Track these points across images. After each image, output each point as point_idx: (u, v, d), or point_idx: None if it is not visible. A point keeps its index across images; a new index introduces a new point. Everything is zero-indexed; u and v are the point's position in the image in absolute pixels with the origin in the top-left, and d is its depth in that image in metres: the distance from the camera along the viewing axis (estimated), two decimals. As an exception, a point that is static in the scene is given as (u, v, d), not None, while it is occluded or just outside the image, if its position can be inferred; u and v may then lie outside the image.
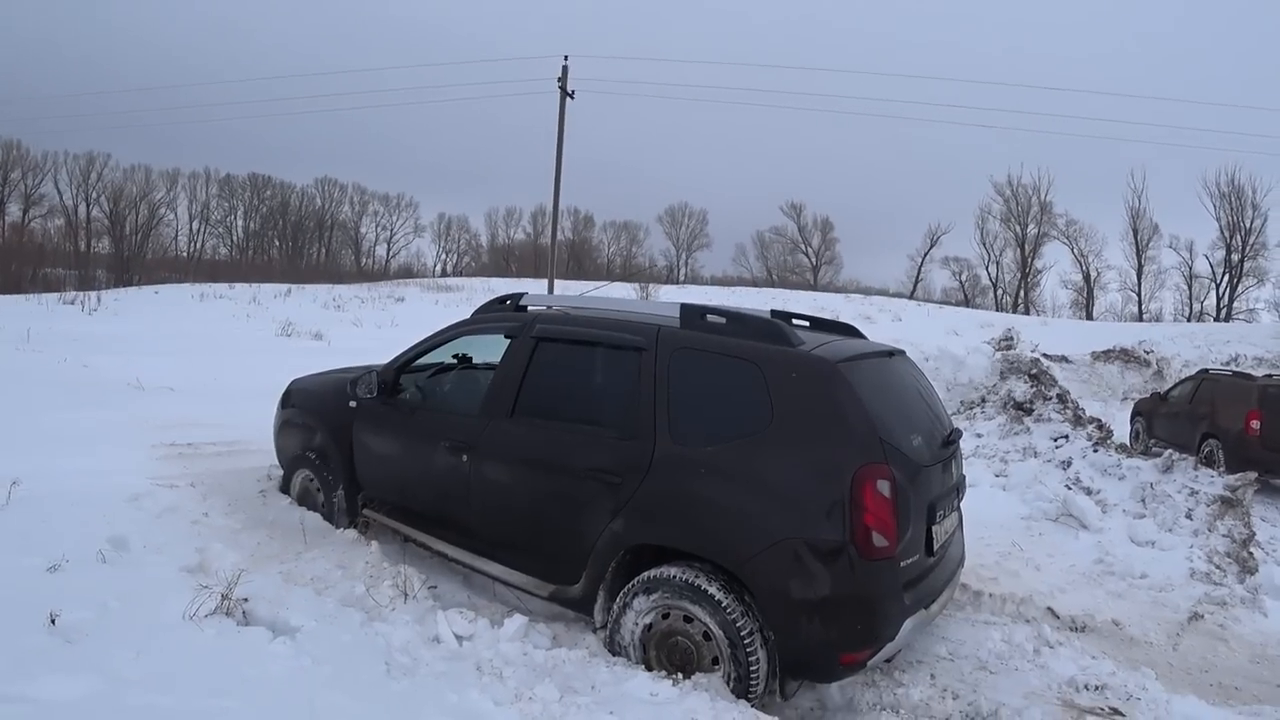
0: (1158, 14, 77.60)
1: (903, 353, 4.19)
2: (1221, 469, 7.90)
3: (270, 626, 3.20)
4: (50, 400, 7.46)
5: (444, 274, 60.31)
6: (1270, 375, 11.27)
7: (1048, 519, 6.44)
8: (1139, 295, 52.40)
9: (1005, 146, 74.60)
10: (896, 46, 79.72)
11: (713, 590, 3.14)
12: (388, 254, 70.08)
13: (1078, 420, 8.52)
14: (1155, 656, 4.23)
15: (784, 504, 3.13)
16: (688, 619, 3.24)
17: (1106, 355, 19.19)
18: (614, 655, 3.41)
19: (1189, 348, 22.16)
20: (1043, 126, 58.83)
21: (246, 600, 3.33)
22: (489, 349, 4.59)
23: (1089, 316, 50.58)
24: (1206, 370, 11.65)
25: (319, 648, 3.05)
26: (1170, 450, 7.58)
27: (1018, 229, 56.58)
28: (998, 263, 58.89)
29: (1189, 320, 44.99)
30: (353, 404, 4.70)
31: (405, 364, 4.69)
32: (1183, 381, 11.84)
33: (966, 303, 55.94)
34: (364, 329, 22.13)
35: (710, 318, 3.62)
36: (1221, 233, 47.85)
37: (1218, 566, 5.39)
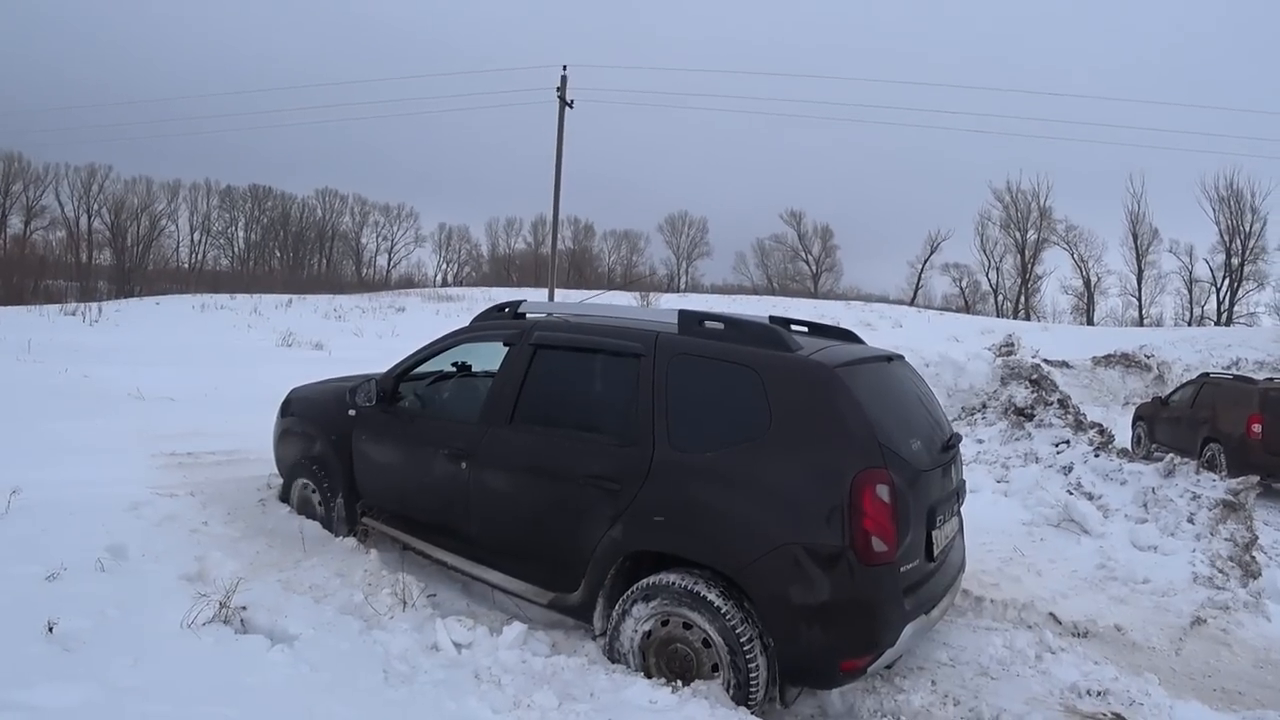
0: (1155, 18, 77.89)
1: (901, 357, 4.19)
2: (1223, 473, 7.88)
3: (268, 634, 3.20)
4: (51, 410, 7.47)
5: (445, 284, 60.45)
6: (1271, 379, 11.26)
7: (1049, 524, 6.42)
8: (1139, 300, 52.46)
9: (1004, 152, 74.95)
10: (895, 54, 79.94)
11: (712, 597, 3.13)
12: (389, 264, 70.29)
13: (1079, 425, 8.50)
14: (1158, 662, 4.20)
15: (783, 509, 3.12)
16: (687, 626, 3.22)
17: (1107, 360, 19.18)
18: (613, 662, 3.39)
19: (1190, 352, 22.13)
20: (1041, 132, 58.99)
21: (245, 608, 3.32)
22: (488, 357, 4.60)
23: (1090, 322, 50.58)
24: (1208, 374, 11.64)
25: (317, 655, 3.05)
26: (1172, 454, 7.55)
27: (1017, 235, 56.71)
28: (998, 269, 59.00)
29: (1190, 324, 45.01)
30: (352, 412, 4.71)
31: (404, 372, 4.69)
32: (1184, 386, 11.83)
33: (967, 309, 55.90)
34: (364, 339, 22.14)
35: (708, 323, 3.62)
36: (1221, 237, 47.92)
37: (1220, 571, 5.37)
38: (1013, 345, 12.68)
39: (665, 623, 3.28)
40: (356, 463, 4.70)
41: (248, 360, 14.40)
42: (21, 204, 54.71)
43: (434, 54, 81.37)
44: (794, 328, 4.02)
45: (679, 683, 3.16)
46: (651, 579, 3.31)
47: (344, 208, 68.25)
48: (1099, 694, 3.61)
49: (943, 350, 13.11)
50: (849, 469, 3.05)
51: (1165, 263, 51.88)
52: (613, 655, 3.42)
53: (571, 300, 5.23)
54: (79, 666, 2.73)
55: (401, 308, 32.63)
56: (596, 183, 76.96)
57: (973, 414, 10.09)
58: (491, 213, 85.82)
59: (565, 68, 23.47)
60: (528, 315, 4.41)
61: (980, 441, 9.03)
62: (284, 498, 5.17)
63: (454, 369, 5.07)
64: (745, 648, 3.08)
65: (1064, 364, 18.11)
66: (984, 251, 58.70)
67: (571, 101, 23.65)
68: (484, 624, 3.64)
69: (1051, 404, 9.10)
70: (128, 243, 56.81)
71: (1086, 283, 54.48)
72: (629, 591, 3.37)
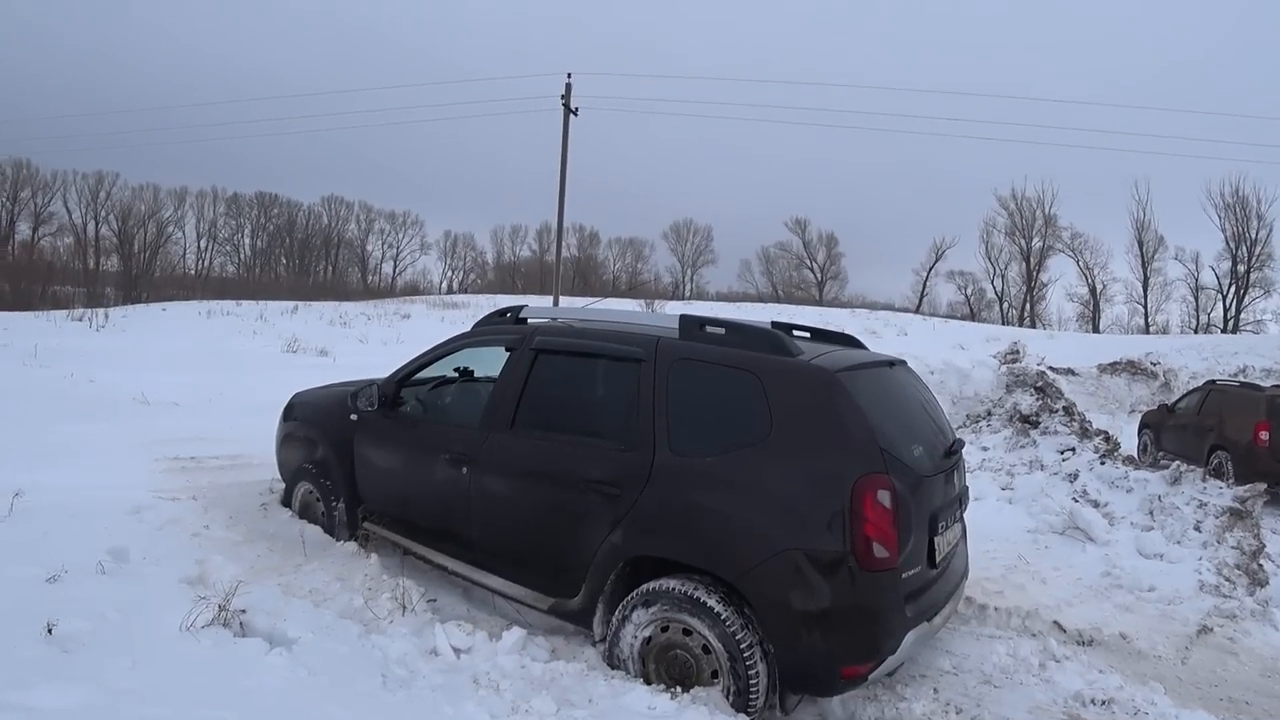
0: (1159, 24, 77.88)
1: (904, 363, 4.17)
2: (1230, 480, 7.82)
3: (267, 638, 3.19)
4: (56, 414, 7.50)
5: (450, 291, 60.59)
6: (1278, 386, 11.18)
7: (1054, 532, 6.38)
8: (1145, 307, 52.30)
9: (1009, 160, 74.84)
10: (899, 61, 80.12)
11: (711, 603, 3.11)
12: (394, 271, 70.47)
13: (1084, 433, 8.47)
14: (1164, 670, 4.17)
15: (783, 515, 3.10)
16: (687, 632, 3.21)
17: (1113, 367, 19.09)
18: (613, 668, 3.38)
19: (1196, 359, 22.03)
20: (1046, 139, 59.00)
21: (244, 612, 3.32)
22: (490, 362, 4.60)
23: (1095, 329, 50.44)
24: (1214, 381, 11.59)
25: (316, 659, 3.04)
26: (1178, 462, 7.51)
27: (1022, 242, 56.63)
28: (1003, 276, 58.93)
29: (1196, 332, 44.86)
30: (353, 417, 4.70)
31: (406, 377, 4.69)
32: (1190, 393, 11.76)
33: (972, 317, 55.84)
34: (369, 345, 22.19)
35: (709, 328, 3.61)
36: (1227, 244, 47.81)
37: (1227, 579, 5.33)
38: (1018, 352, 12.64)
39: (665, 629, 3.26)
40: (358, 467, 4.69)
41: (253, 366, 14.46)
42: (30, 210, 55.10)
43: (439, 62, 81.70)
44: (796, 333, 4.01)
45: (678, 689, 3.15)
46: (651, 584, 3.29)
47: (350, 215, 68.59)
48: (1104, 703, 3.58)
49: (947, 357, 13.08)
50: (850, 474, 3.03)
51: (1171, 270, 51.81)
52: (612, 661, 3.40)
53: (574, 306, 5.22)
54: (77, 668, 2.73)
55: (407, 315, 32.70)
56: (602, 190, 77.30)
57: (978, 421, 10.07)
58: (497, 220, 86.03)
59: (570, 75, 23.55)
60: (529, 320, 4.40)
61: (985, 449, 8.99)
62: (286, 502, 5.17)
63: (456, 374, 5.07)
64: (745, 654, 3.06)
65: (1069, 371, 18.03)
66: (989, 259, 58.71)
67: (576, 109, 23.71)
68: (484, 629, 3.63)
69: (1057, 411, 9.07)
70: (135, 249, 57.17)
71: (1092, 290, 54.38)
72: (629, 597, 3.35)
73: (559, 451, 3.75)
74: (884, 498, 3.03)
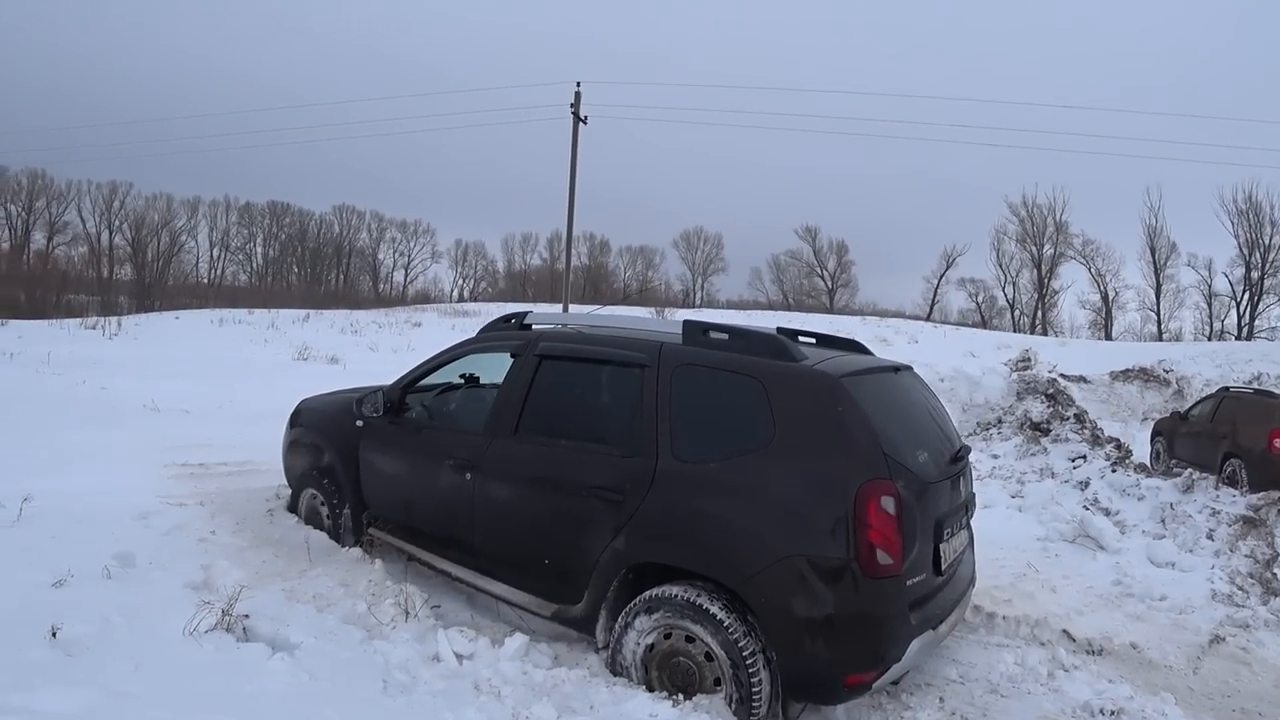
0: (1172, 30, 77.56)
1: (909, 368, 4.15)
2: (1244, 488, 7.76)
3: (270, 643, 3.19)
4: (67, 421, 7.56)
5: (461, 299, 60.73)
6: (1293, 394, 11.07)
7: (1064, 540, 6.33)
8: (1158, 315, 51.84)
9: (1020, 166, 74.60)
10: (910, 68, 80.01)
11: (714, 609, 3.09)
12: (405, 280, 70.74)
13: (1096, 440, 8.41)
14: (1175, 680, 4.11)
15: (786, 521, 3.08)
16: (690, 639, 3.19)
17: (1125, 375, 18.96)
18: (615, 675, 3.36)
19: (1210, 367, 21.81)
20: (1056, 145, 58.73)
21: (247, 617, 3.32)
22: (495, 368, 4.60)
23: (1108, 337, 50.06)
24: (1228, 388, 11.48)
25: (317, 664, 3.04)
26: (1190, 470, 7.44)
27: (1034, 249, 56.30)
28: (1014, 284, 58.56)
29: (1209, 339, 44.43)
30: (359, 423, 4.72)
31: (411, 383, 4.70)
32: (1203, 400, 11.67)
33: (983, 324, 55.51)
34: (380, 353, 22.26)
35: (713, 334, 3.60)
36: (1240, 250, 47.31)
37: (1240, 588, 5.27)
38: (1029, 360, 12.57)
39: (668, 635, 3.25)
40: (363, 473, 4.70)
41: (263, 374, 14.53)
42: (45, 220, 55.70)
43: (450, 71, 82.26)
44: (801, 339, 4.00)
45: (680, 696, 3.13)
46: (654, 591, 3.28)
47: (361, 224, 68.96)
48: (1113, 713, 3.54)
49: (957, 365, 13.02)
50: (853, 480, 3.01)
51: (1184, 277, 51.33)
52: (615, 668, 3.38)
53: (579, 312, 5.23)
54: (80, 672, 2.74)
55: (418, 323, 32.79)
56: (612, 199, 77.32)
57: (988, 429, 10.01)
58: (508, 229, 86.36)
59: (579, 84, 23.65)
60: (533, 326, 4.41)
61: (995, 457, 8.94)
62: (292, 508, 5.19)
63: (462, 380, 5.08)
64: (748, 661, 3.04)
65: (1081, 379, 17.92)
66: (1000, 266, 58.37)
67: (585, 117, 23.81)
68: (486, 635, 3.62)
69: (1068, 419, 9.01)
70: (148, 258, 57.63)
71: (1104, 297, 53.99)
72: (631, 604, 3.34)
73: (562, 457, 3.75)
74: (888, 504, 3.01)
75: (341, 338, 25.97)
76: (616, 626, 3.38)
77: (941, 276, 61.24)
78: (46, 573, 3.52)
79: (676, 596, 3.19)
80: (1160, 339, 46.80)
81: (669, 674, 3.26)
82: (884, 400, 3.51)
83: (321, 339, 23.99)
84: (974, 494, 4.20)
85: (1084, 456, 8.01)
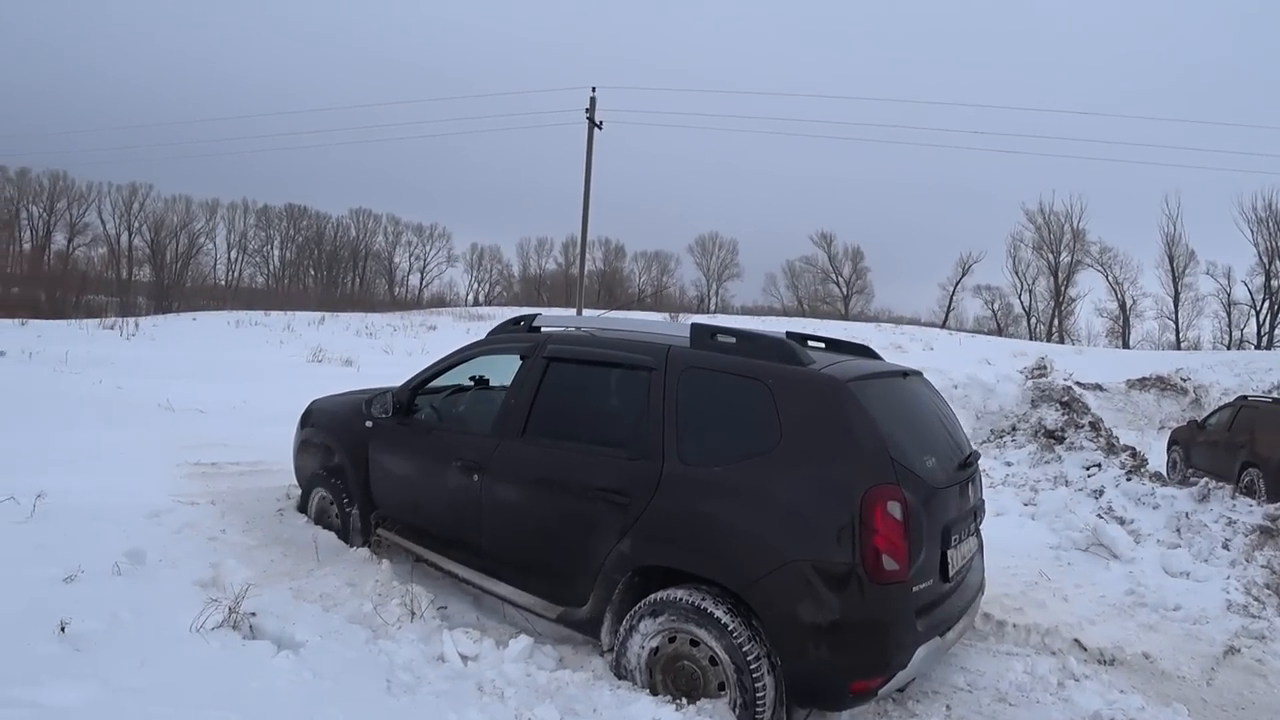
0: (1191, 36, 76.91)
1: (919, 373, 4.12)
2: (1261, 498, 7.64)
3: (275, 641, 3.20)
4: (82, 420, 7.64)
5: (476, 303, 60.98)
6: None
7: (1077, 549, 6.26)
8: (1176, 323, 51.33)
9: (1037, 173, 74.22)
10: (927, 74, 79.77)
11: (719, 614, 3.07)
12: (421, 283, 71.19)
13: (1111, 448, 8.33)
14: (1188, 692, 4.05)
15: (792, 525, 3.06)
16: (694, 643, 3.17)
17: (1142, 383, 18.77)
18: (620, 678, 3.35)
19: (1228, 375, 21.58)
20: (1074, 152, 58.35)
21: (254, 614, 3.34)
22: (504, 370, 4.61)
23: (1125, 345, 49.60)
24: (1245, 397, 11.35)
25: (322, 663, 3.05)
26: (1207, 479, 7.35)
27: (1050, 257, 55.94)
28: (1031, 291, 58.22)
29: (1228, 348, 43.95)
30: (368, 424, 4.74)
31: (420, 385, 4.72)
32: (1221, 409, 11.53)
33: (999, 332, 55.18)
34: (394, 356, 22.36)
35: (720, 337, 3.60)
36: (1260, 258, 46.77)
37: (1256, 599, 5.19)
38: (1045, 367, 12.50)
39: (672, 639, 3.23)
40: (372, 474, 4.72)
41: (278, 375, 14.63)
42: (66, 221, 56.53)
43: (468, 76, 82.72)
44: (811, 344, 3.98)
45: (684, 701, 3.11)
46: (659, 594, 3.26)
47: (378, 227, 69.49)
48: (1123, 723, 3.49)
49: (971, 372, 12.94)
50: (859, 485, 2.99)
51: (1203, 285, 50.79)
52: (619, 671, 3.37)
53: (589, 315, 5.23)
54: (87, 666, 2.76)
55: (433, 326, 32.92)
56: (628, 204, 77.62)
57: (1002, 436, 9.94)
58: (523, 233, 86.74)
59: (594, 89, 23.77)
60: (542, 329, 4.42)
61: (1009, 464, 8.88)
62: (302, 508, 5.21)
63: (471, 382, 5.09)
64: (752, 666, 3.02)
65: (1097, 387, 17.76)
66: (1016, 274, 58.07)
67: (600, 123, 23.89)
68: (491, 637, 3.62)
69: (1083, 427, 8.94)
70: (167, 259, 58.31)
71: (1122, 305, 53.55)
72: (636, 607, 3.32)
73: (569, 459, 3.75)
74: (894, 509, 2.98)
75: (356, 340, 26.12)
76: (621, 630, 3.37)
77: (957, 284, 61.00)
78: (57, 568, 3.55)
79: (681, 600, 3.17)
80: (1179, 347, 46.31)
81: (673, 678, 3.24)
82: (892, 405, 3.48)
83: (336, 341, 24.13)
84: (983, 500, 4.15)
85: (1099, 465, 7.94)
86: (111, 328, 22.77)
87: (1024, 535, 6.55)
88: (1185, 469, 11.29)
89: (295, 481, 5.46)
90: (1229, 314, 49.94)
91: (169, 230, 59.09)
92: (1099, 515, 6.69)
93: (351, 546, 4.65)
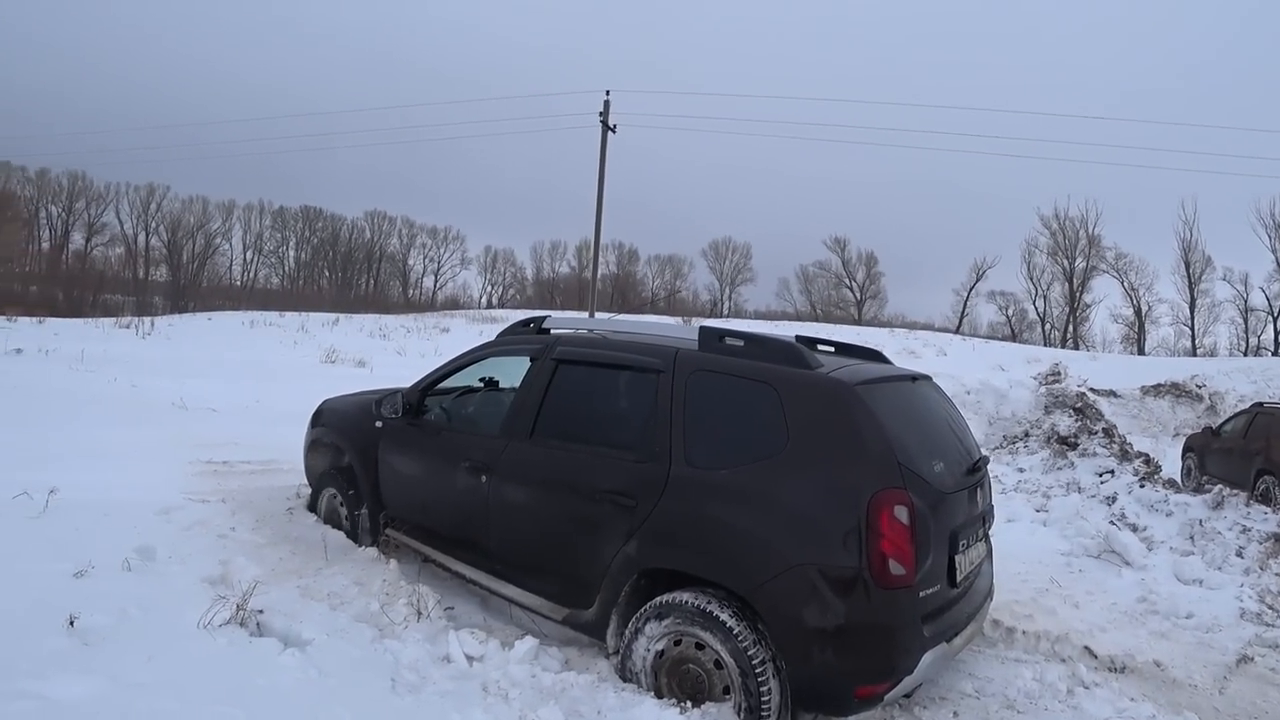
0: (1205, 41, 76.31)
1: (928, 378, 4.10)
2: (1277, 506, 7.57)
3: (282, 638, 3.22)
4: (96, 417, 7.70)
5: (489, 306, 61.20)
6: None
7: (1089, 555, 6.21)
8: (1192, 329, 50.85)
9: (1052, 178, 73.74)
10: (941, 79, 79.48)
11: (724, 617, 3.06)
12: (435, 285, 71.54)
13: (1124, 455, 8.26)
14: (1200, 700, 4.01)
15: (798, 529, 3.04)
16: (700, 646, 3.16)
17: (1157, 390, 18.60)
18: (625, 681, 3.34)
19: (1245, 383, 21.32)
20: (1090, 157, 57.91)
21: (261, 612, 3.36)
22: (514, 371, 4.62)
23: (1140, 351, 49.18)
24: (1261, 404, 11.22)
25: (328, 661, 3.06)
26: (1221, 486, 7.27)
27: (1065, 263, 55.58)
28: (1045, 297, 57.88)
29: (1245, 354, 43.50)
30: (378, 424, 4.75)
31: (430, 385, 4.73)
32: (1236, 415, 11.42)
33: (1014, 337, 54.88)
34: (407, 357, 22.41)
35: (728, 340, 3.59)
36: (1277, 265, 46.29)
37: (1270, 607, 5.13)
38: (1059, 374, 12.40)
39: (678, 642, 3.22)
40: (382, 474, 4.73)
41: (291, 375, 14.70)
42: (84, 221, 57.16)
43: (484, 81, 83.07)
44: (820, 348, 3.97)
45: (688, 704, 3.10)
46: (664, 597, 3.25)
47: (392, 229, 69.91)
48: (1133, 732, 3.46)
49: (984, 377, 12.87)
50: (866, 489, 2.97)
51: (1219, 291, 50.33)
52: (624, 674, 3.37)
53: (600, 318, 5.24)
54: (94, 660, 2.78)
55: (446, 328, 33.03)
56: (641, 208, 77.70)
57: (1014, 442, 9.88)
58: (537, 236, 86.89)
59: (608, 93, 23.81)
60: (552, 330, 4.42)
61: (1021, 470, 8.82)
62: (312, 507, 5.23)
63: (481, 384, 5.10)
64: (757, 670, 3.01)
65: (1111, 393, 17.61)
66: (1031, 279, 57.73)
67: (614, 126, 23.92)
68: (497, 638, 3.63)
69: (1096, 433, 8.87)
70: (183, 259, 58.84)
71: (1137, 311, 53.10)
72: (642, 609, 3.32)
73: (576, 461, 3.74)
74: (901, 513, 2.97)
75: (370, 341, 26.24)
76: (627, 632, 3.36)
77: (971, 289, 60.72)
78: (68, 563, 3.59)
79: (687, 603, 3.16)
80: (1194, 354, 45.91)
81: (678, 681, 3.23)
82: (900, 409, 3.46)
83: (350, 342, 24.24)
84: (992, 505, 4.13)
85: (1112, 471, 7.87)
86: (127, 327, 22.97)
87: (1035, 541, 6.50)
88: (1199, 476, 11.18)
89: (305, 481, 5.48)
90: (1245, 320, 49.51)
91: (186, 230, 59.72)
92: (1111, 522, 6.64)
93: (360, 546, 4.67)
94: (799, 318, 57.47)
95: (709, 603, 3.12)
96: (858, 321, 57.32)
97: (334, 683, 2.91)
